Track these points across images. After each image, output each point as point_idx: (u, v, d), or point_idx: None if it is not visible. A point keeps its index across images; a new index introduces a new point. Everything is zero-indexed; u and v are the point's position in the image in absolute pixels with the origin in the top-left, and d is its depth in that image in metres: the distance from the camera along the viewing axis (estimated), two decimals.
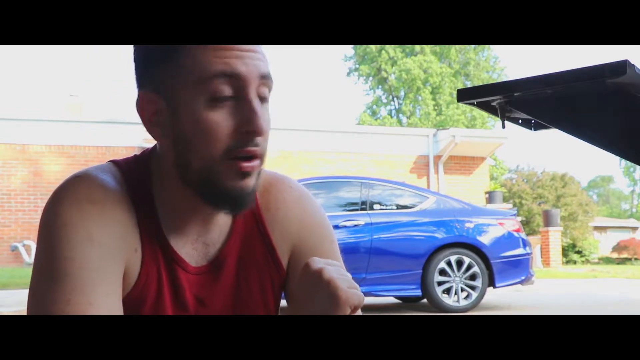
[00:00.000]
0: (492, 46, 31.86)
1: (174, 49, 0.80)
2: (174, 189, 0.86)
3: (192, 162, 0.82)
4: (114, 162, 0.91)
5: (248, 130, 0.80)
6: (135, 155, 0.93)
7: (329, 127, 14.36)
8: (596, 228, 27.11)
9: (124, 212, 0.83)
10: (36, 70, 15.94)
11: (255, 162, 0.82)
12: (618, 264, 21.89)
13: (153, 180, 0.88)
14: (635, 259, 23.05)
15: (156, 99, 0.83)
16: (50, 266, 0.77)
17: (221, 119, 0.79)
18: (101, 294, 0.77)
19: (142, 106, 0.84)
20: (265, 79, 0.82)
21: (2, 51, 15.34)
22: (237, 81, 0.79)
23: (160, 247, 0.86)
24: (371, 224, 6.34)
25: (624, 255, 23.46)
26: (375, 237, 6.29)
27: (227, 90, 0.79)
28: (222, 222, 0.91)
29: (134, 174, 0.88)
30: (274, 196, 0.96)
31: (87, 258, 0.78)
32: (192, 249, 0.89)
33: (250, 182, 0.83)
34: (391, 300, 7.76)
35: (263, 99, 0.83)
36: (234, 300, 0.91)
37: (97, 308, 0.76)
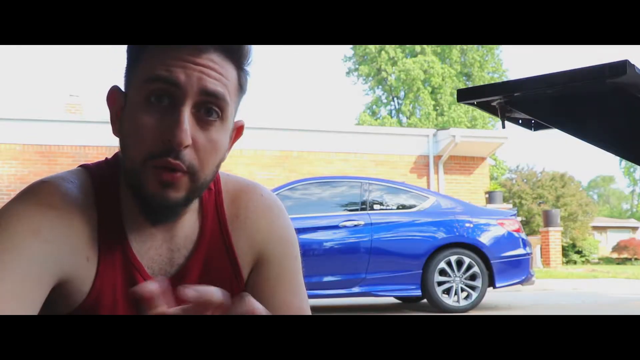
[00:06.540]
0: (493, 47, 31.83)
1: (142, 49, 0.81)
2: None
3: (125, 162, 0.82)
4: (85, 166, 0.90)
5: (169, 139, 0.77)
6: (107, 158, 0.92)
7: (329, 127, 14.35)
8: (596, 228, 27.13)
9: (82, 221, 0.82)
10: (36, 70, 15.92)
11: (178, 175, 0.79)
12: (618, 264, 21.90)
13: (121, 182, 0.87)
14: (636, 259, 23.05)
15: (120, 96, 0.85)
16: None
17: (150, 123, 0.78)
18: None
19: (108, 101, 0.86)
20: (209, 96, 0.79)
21: (2, 51, 15.34)
22: (174, 89, 0.78)
23: (121, 254, 0.85)
24: (371, 224, 6.34)
25: (624, 255, 23.48)
26: (375, 237, 6.29)
27: (164, 96, 0.78)
28: (188, 227, 0.90)
29: (104, 178, 0.88)
30: (244, 204, 0.94)
31: (16, 254, 0.75)
32: (156, 254, 0.88)
33: (172, 194, 0.80)
34: (391, 300, 7.76)
35: (205, 117, 0.80)
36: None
37: None
